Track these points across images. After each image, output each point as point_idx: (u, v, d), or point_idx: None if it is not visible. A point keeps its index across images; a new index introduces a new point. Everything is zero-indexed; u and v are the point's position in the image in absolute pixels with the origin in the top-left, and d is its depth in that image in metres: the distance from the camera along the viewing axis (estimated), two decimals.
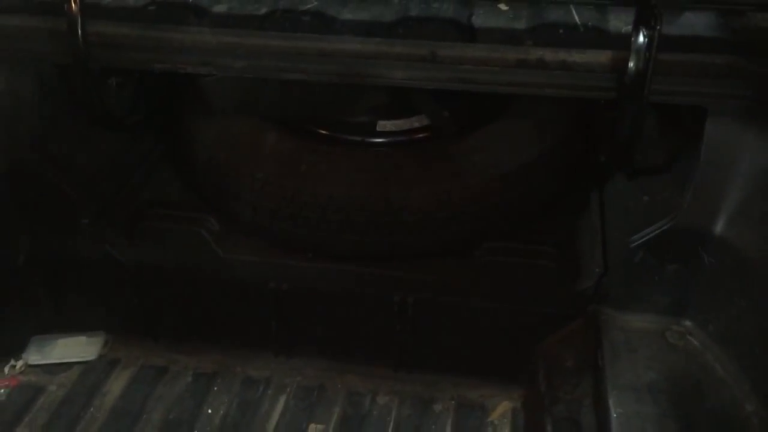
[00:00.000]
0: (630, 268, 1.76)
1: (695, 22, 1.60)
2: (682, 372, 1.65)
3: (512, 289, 1.91)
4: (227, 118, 2.14)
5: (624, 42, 1.52)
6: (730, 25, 1.57)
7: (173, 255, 2.06)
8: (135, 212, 2.09)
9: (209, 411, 1.99)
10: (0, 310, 2.06)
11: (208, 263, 2.03)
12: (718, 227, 1.64)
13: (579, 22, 1.62)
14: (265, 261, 2.01)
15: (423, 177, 1.94)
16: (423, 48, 1.64)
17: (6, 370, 2.09)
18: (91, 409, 1.99)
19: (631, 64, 1.52)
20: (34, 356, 2.13)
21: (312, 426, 1.95)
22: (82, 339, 2.18)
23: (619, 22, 1.60)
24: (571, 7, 1.63)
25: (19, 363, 2.11)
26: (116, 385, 2.08)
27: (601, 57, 1.60)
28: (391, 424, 1.96)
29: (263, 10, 1.68)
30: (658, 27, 1.49)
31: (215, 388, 2.06)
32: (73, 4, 1.65)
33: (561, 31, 1.62)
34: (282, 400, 2.03)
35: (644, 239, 1.71)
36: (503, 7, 1.70)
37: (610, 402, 1.56)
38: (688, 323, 1.75)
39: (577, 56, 1.61)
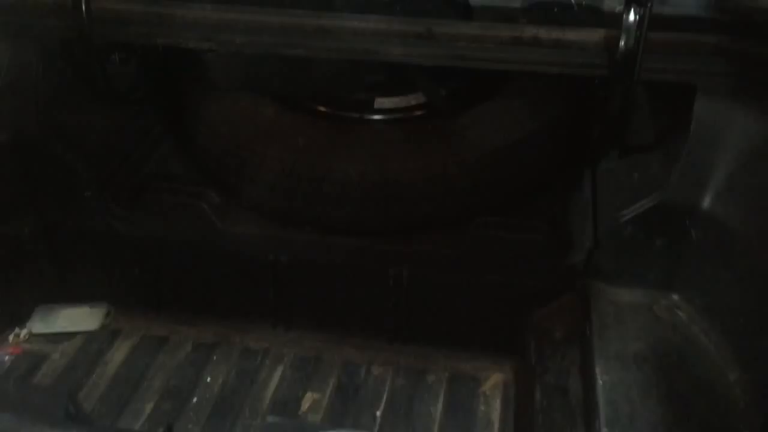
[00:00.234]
0: (619, 243, 1.79)
1: (685, 2, 1.63)
2: (667, 343, 1.69)
3: (505, 263, 1.95)
4: (228, 94, 2.18)
5: (616, 21, 1.56)
6: (720, 5, 1.60)
7: (174, 228, 2.10)
8: (137, 185, 2.13)
9: (208, 379, 2.04)
10: (5, 280, 2.11)
11: (208, 236, 2.07)
12: (705, 202, 1.67)
13: (573, 1, 1.66)
14: (263, 234, 2.06)
15: (419, 153, 1.98)
16: (419, 25, 1.68)
17: (10, 338, 2.14)
18: (93, 376, 2.04)
19: (622, 43, 1.57)
20: (38, 325, 2.18)
21: (308, 394, 2.00)
22: (85, 310, 2.22)
23: (613, 1, 1.63)
24: None
25: (24, 332, 2.16)
26: (118, 354, 2.13)
27: (594, 35, 1.64)
28: (386, 393, 2.01)
29: None
30: (648, 6, 1.53)
31: (214, 358, 2.11)
32: None
33: (555, 9, 1.66)
34: (279, 369, 2.08)
35: (633, 214, 1.75)
36: None
37: (597, 370, 1.60)
38: (675, 297, 1.79)
39: (570, 34, 1.65)
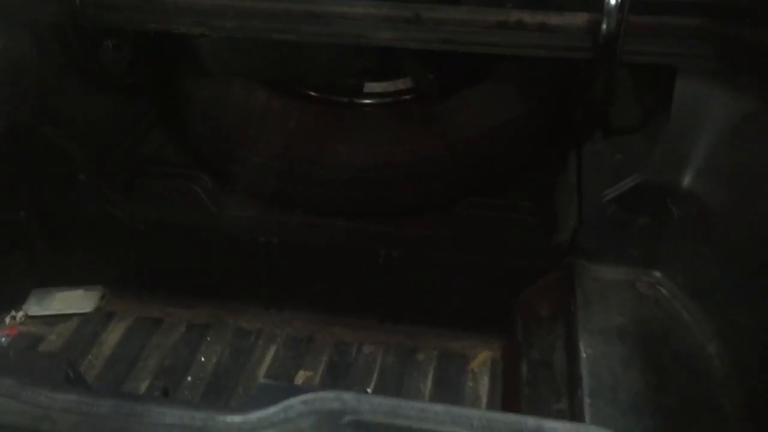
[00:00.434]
0: (603, 222, 1.83)
1: None
2: (650, 318, 1.74)
3: (492, 243, 1.99)
4: (220, 79, 2.21)
5: (599, 5, 1.60)
6: None
7: (168, 211, 2.14)
8: (131, 169, 2.16)
9: (202, 359, 2.09)
10: (1, 264, 2.14)
11: (201, 219, 2.10)
12: (686, 181, 1.71)
13: None
14: (256, 217, 2.10)
15: (408, 136, 2.02)
16: (408, 10, 1.71)
17: (7, 320, 2.18)
18: (89, 356, 2.09)
19: (603, 26, 1.61)
20: (34, 308, 2.22)
21: (301, 372, 2.05)
22: (80, 292, 2.26)
23: None
24: None
25: (20, 314, 2.20)
26: (113, 335, 2.17)
27: (577, 19, 1.67)
28: (376, 371, 2.06)
29: None
30: None
31: (208, 338, 2.15)
32: None
33: None
34: (272, 349, 2.13)
35: (616, 194, 1.79)
36: None
37: (580, 344, 1.65)
38: (657, 274, 1.83)
39: (554, 18, 1.68)
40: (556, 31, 1.69)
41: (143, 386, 2.00)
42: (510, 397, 1.89)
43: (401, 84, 2.18)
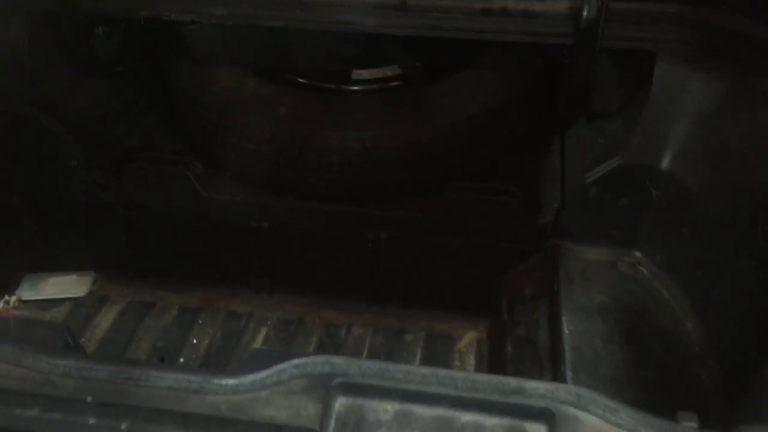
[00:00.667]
0: (585, 204, 1.89)
1: None
2: (630, 296, 1.79)
3: (478, 225, 2.03)
4: (210, 66, 2.24)
5: None
6: None
7: (159, 196, 2.17)
8: (123, 155, 2.19)
9: (194, 341, 2.13)
10: None
11: (192, 204, 2.13)
12: (665, 163, 1.76)
13: None
14: (246, 201, 2.13)
15: (395, 121, 2.05)
16: None
17: (0, 305, 2.21)
18: (83, 340, 2.11)
19: (584, 12, 1.66)
20: (27, 293, 2.24)
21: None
22: (72, 277, 2.29)
23: None
24: None
25: (13, 299, 2.23)
26: (106, 319, 2.20)
27: (559, 6, 1.73)
28: (365, 352, 2.10)
29: None
30: None
31: (200, 321, 2.19)
32: None
33: None
34: (263, 331, 2.17)
35: (598, 176, 1.84)
36: None
37: (563, 320, 1.70)
38: (638, 254, 1.89)
39: (537, 5, 1.74)
40: (538, 17, 1.74)
41: None
42: (495, 374, 1.93)
43: (389, 71, 2.22)
